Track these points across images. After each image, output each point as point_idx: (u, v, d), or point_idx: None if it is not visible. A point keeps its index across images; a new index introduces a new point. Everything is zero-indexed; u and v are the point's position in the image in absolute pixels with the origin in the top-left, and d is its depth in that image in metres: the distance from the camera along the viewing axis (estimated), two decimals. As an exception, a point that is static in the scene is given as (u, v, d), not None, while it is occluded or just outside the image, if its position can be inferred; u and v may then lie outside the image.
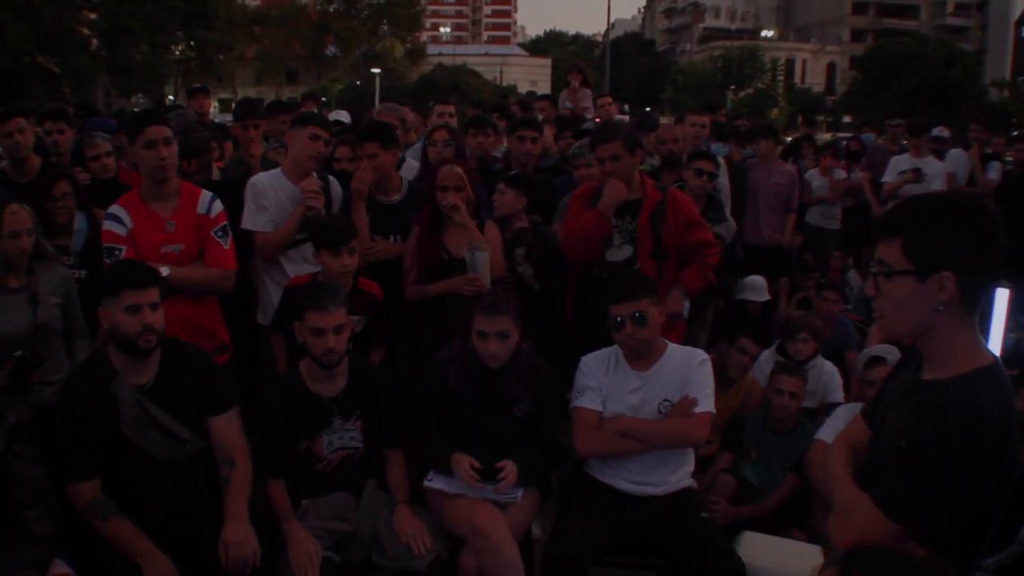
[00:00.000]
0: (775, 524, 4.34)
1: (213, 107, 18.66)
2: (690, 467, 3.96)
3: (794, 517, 4.46)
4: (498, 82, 62.59)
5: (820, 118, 18.94)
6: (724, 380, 5.14)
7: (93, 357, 3.54)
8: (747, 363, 5.31)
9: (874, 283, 2.16)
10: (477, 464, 3.61)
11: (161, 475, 3.34)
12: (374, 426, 3.46)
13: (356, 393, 3.73)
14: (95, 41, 45.76)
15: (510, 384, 3.78)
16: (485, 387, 3.77)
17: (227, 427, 3.54)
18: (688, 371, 3.84)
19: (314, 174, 4.76)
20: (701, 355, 3.97)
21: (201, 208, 4.24)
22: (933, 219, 2.05)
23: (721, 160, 6.79)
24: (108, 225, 4.12)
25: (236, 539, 3.29)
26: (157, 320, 3.35)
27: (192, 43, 49.32)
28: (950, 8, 77.46)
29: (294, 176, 4.69)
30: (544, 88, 56.69)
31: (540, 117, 7.99)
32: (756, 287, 6.76)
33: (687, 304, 4.95)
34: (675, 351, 3.94)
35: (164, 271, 3.86)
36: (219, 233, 4.24)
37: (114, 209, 4.16)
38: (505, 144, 6.95)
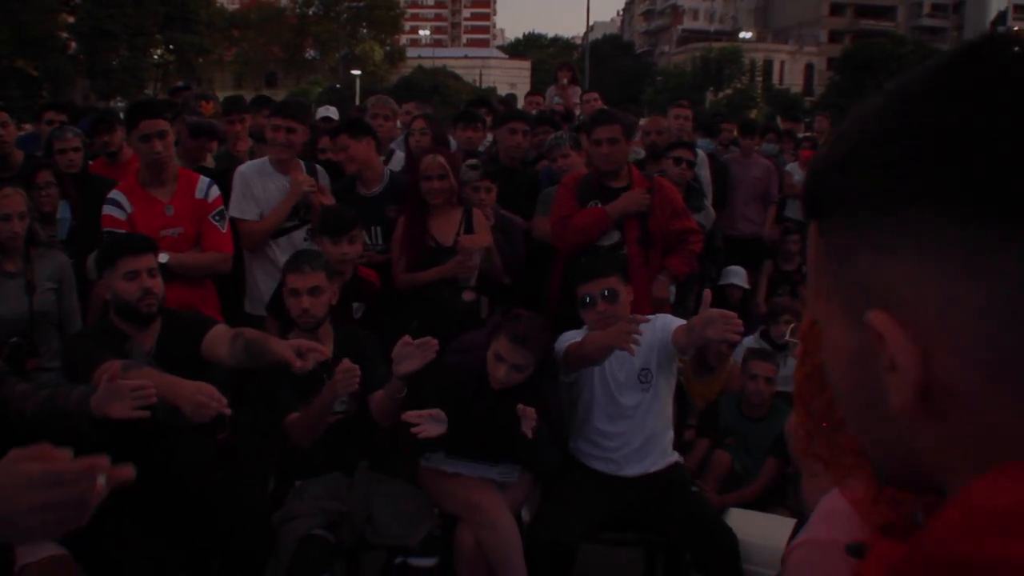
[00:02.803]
0: (760, 507, 4.41)
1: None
2: (671, 437, 3.92)
3: (778, 498, 4.54)
4: (478, 84, 62.66)
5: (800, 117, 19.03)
6: (704, 367, 5.22)
7: (99, 324, 3.52)
8: (725, 350, 5.35)
9: None
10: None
11: (161, 446, 3.24)
12: (363, 387, 3.44)
13: (343, 358, 3.68)
14: (74, 44, 45.57)
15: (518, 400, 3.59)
16: (492, 395, 3.64)
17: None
18: (656, 333, 3.70)
19: (302, 164, 4.82)
20: (656, 318, 3.85)
21: (199, 193, 4.34)
22: None
23: (701, 152, 6.91)
24: (108, 210, 4.18)
25: None
26: (156, 285, 3.39)
27: (171, 46, 49.20)
28: (927, 9, 78.04)
29: (278, 165, 4.75)
30: (523, 90, 56.73)
31: (533, 112, 8.15)
32: (740, 274, 6.89)
33: (673, 290, 5.04)
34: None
35: (163, 258, 3.91)
36: (216, 217, 4.35)
37: (114, 194, 4.23)
38: (489, 137, 7.02)
